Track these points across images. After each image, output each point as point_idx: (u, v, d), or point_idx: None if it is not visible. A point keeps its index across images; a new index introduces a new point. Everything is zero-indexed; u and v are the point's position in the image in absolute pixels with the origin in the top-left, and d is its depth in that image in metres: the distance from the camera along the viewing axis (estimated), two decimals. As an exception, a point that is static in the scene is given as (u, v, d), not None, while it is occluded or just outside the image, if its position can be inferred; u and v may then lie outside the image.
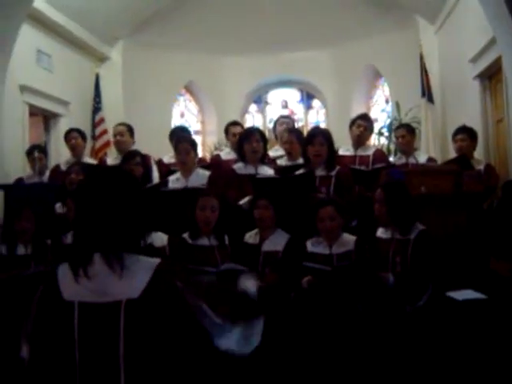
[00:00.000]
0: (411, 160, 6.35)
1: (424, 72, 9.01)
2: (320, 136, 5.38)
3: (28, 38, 7.97)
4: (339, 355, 4.03)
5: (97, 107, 9.66)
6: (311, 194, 5.00)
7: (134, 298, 1.88)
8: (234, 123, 7.21)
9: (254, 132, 5.74)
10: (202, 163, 6.23)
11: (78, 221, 2.00)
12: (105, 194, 1.97)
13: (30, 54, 8.39)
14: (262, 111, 12.57)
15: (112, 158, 6.75)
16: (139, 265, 1.93)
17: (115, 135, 6.78)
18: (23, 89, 8.10)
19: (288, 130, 6.36)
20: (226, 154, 6.93)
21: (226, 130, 7.04)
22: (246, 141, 5.59)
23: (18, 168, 7.54)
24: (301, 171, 5.23)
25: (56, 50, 9.02)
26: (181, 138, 5.94)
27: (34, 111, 8.58)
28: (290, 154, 5.95)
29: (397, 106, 9.80)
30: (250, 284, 4.18)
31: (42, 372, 1.91)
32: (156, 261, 1.98)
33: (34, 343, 1.95)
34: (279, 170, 5.52)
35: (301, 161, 5.61)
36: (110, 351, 1.86)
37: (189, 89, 11.91)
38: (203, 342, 2.04)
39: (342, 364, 4.01)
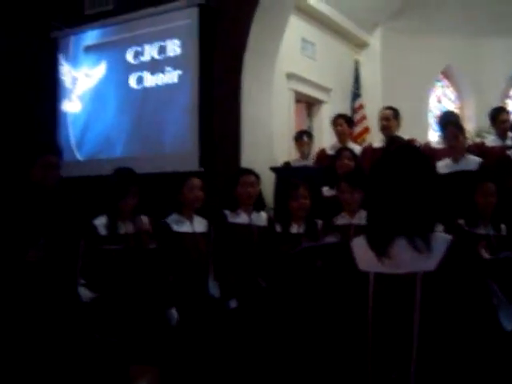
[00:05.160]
0: None
1: None
2: None
3: (294, 28, 8.35)
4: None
5: (356, 93, 9.79)
6: None
7: (431, 270, 1.91)
8: (502, 109, 6.86)
9: None
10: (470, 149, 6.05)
11: (378, 203, 2.04)
12: (407, 176, 2.01)
13: (296, 43, 8.80)
14: (525, 95, 11.73)
15: (377, 141, 6.80)
16: (434, 240, 1.96)
17: (381, 119, 6.72)
18: (289, 76, 8.53)
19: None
20: (491, 141, 6.67)
21: (493, 117, 6.69)
22: None
23: (284, 152, 7.98)
24: None
25: (319, 38, 9.34)
26: (448, 122, 5.87)
27: (299, 98, 9.00)
28: None
29: None
30: None
31: (332, 332, 2.03)
32: (448, 236, 2.01)
33: (324, 308, 2.08)
34: None
35: None
36: (404, 322, 1.90)
37: (447, 74, 11.57)
38: (493, 321, 2.02)
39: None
